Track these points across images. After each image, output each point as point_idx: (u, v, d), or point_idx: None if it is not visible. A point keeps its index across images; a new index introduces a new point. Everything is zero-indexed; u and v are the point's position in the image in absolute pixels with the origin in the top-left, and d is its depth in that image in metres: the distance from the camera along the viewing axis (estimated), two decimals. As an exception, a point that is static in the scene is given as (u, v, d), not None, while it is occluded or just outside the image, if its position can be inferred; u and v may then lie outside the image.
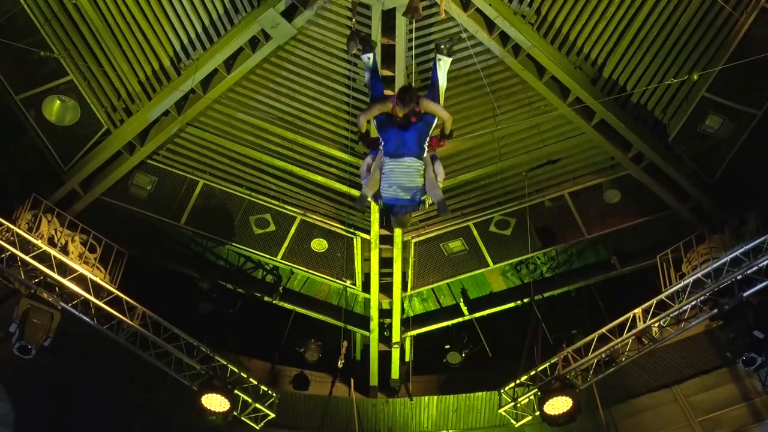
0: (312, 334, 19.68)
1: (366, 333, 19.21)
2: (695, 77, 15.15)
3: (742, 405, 17.25)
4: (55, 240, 16.39)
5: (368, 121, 11.92)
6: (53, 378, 17.06)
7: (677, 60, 15.86)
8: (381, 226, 17.59)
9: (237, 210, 17.94)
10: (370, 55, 11.84)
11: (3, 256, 15.44)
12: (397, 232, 17.53)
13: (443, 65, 11.63)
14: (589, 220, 17.78)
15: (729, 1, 15.19)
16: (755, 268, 15.23)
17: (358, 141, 15.32)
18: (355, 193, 17.22)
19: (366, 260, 18.38)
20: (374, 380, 19.68)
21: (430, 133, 11.07)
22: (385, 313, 19.05)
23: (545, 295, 18.91)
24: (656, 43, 15.73)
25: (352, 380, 19.75)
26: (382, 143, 11.00)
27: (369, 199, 11.30)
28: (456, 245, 18.24)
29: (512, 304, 19.17)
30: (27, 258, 15.62)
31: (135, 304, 16.72)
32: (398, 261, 18.09)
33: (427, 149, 11.03)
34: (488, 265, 18.42)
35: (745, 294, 15.27)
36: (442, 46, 11.69)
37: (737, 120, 16.09)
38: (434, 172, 11.09)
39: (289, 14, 15.25)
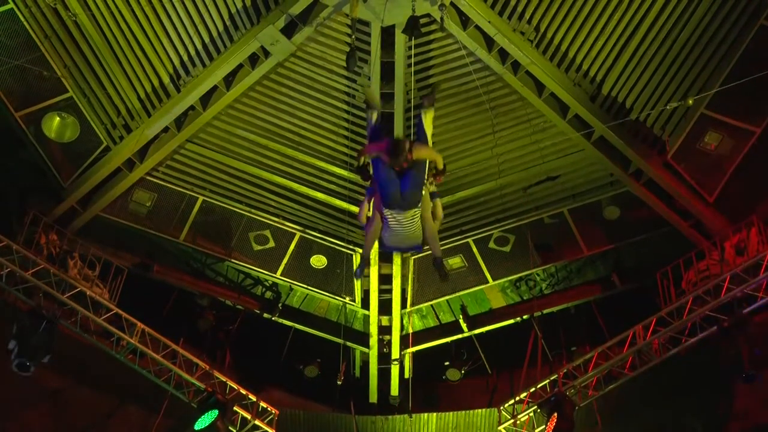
0: (311, 351, 19.64)
1: (365, 350, 19.15)
2: (690, 102, 15.23)
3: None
4: (54, 257, 16.39)
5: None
6: (52, 395, 17.01)
7: (676, 76, 15.91)
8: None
9: (236, 226, 17.92)
10: (374, 114, 11.91)
11: (2, 273, 15.45)
12: (397, 249, 17.57)
13: (428, 115, 11.73)
14: (589, 236, 17.75)
15: (728, 17, 15.26)
16: (755, 285, 15.24)
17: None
18: (355, 210, 17.21)
19: (365, 277, 18.34)
20: (373, 397, 19.62)
21: (426, 176, 11.12)
22: (385, 330, 18.98)
23: (545, 311, 18.87)
24: (655, 59, 15.78)
25: (351, 397, 19.67)
26: (379, 190, 11.05)
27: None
28: (455, 262, 18.20)
29: (512, 321, 19.10)
30: (26, 275, 15.62)
31: (134, 320, 16.68)
32: (397, 278, 18.07)
33: (424, 188, 11.11)
34: (488, 282, 18.35)
35: (745, 311, 15.27)
36: (426, 102, 11.85)
37: (736, 137, 16.10)
38: (433, 214, 11.20)
39: (288, 31, 15.30)
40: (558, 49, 15.79)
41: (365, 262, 11.95)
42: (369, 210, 11.52)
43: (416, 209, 10.88)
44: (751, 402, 16.38)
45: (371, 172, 11.54)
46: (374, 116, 12.01)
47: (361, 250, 17.86)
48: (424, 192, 11.02)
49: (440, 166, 11.46)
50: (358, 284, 18.32)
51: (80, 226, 17.29)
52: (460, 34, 15.23)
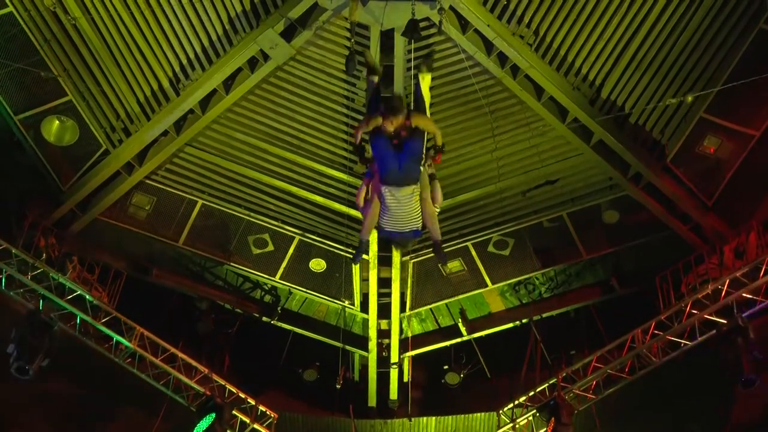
0: (310, 355, 19.64)
1: (364, 353, 19.12)
2: (689, 99, 15.25)
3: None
4: (53, 260, 16.38)
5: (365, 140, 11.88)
6: (50, 398, 17.01)
7: (675, 80, 15.92)
8: (379, 246, 17.57)
9: (235, 230, 17.92)
10: (375, 78, 11.92)
11: (1, 276, 15.48)
12: (396, 252, 17.50)
13: (425, 80, 11.73)
14: (588, 240, 17.77)
15: (727, 21, 15.27)
16: (754, 289, 15.25)
17: (356, 159, 15.40)
18: (355, 213, 17.24)
19: (364, 280, 18.32)
20: (372, 401, 19.60)
21: (424, 149, 11.04)
22: (384, 334, 18.98)
23: (544, 315, 18.90)
24: (654, 63, 15.79)
25: (350, 401, 19.64)
26: (378, 167, 10.94)
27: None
28: (454, 265, 18.19)
29: (510, 325, 19.10)
30: (25, 278, 15.63)
31: (133, 324, 16.69)
32: (396, 281, 18.05)
33: (423, 167, 11.03)
34: (487, 286, 18.37)
35: (744, 315, 15.27)
36: (423, 66, 11.84)
37: (735, 140, 16.10)
38: (432, 197, 11.11)
39: (287, 35, 15.31)
40: (557, 52, 15.80)
41: (363, 246, 11.89)
42: (368, 194, 11.42)
43: (415, 186, 10.72)
44: (750, 405, 16.39)
45: (370, 154, 11.50)
46: (376, 80, 11.97)
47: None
48: (422, 170, 10.92)
49: (439, 142, 11.34)
50: (357, 288, 18.31)
51: (79, 229, 17.30)
52: (459, 38, 15.23)
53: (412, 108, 11.47)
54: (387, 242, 11.29)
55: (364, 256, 17.80)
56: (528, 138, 16.73)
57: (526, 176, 17.23)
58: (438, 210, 11.29)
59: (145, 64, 15.95)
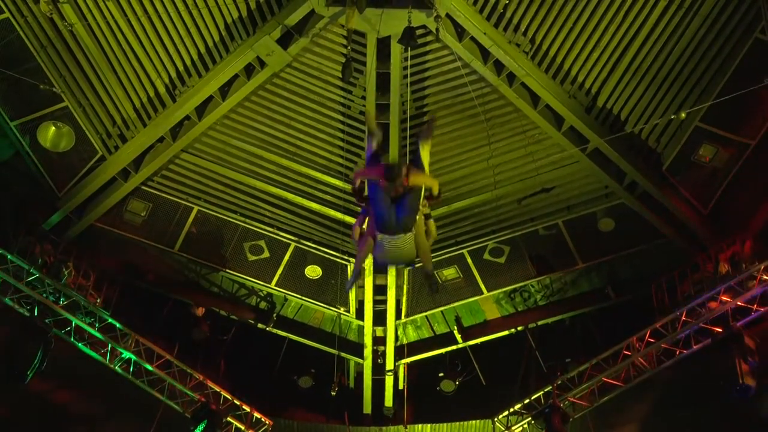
0: (306, 361, 19.62)
1: (360, 360, 19.11)
2: (683, 115, 15.30)
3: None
4: (49, 266, 16.35)
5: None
6: (46, 405, 16.97)
7: (671, 89, 15.96)
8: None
9: (231, 236, 17.90)
10: (374, 142, 11.91)
11: (-4, 282, 15.50)
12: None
13: (425, 147, 11.78)
14: (584, 248, 17.77)
15: (723, 31, 15.31)
16: (749, 298, 15.27)
17: (351, 166, 15.46)
18: (350, 220, 17.24)
19: (360, 287, 18.31)
20: (368, 408, 19.56)
21: (420, 201, 11.13)
22: (379, 341, 18.97)
23: (539, 323, 18.90)
24: (650, 72, 15.83)
25: (345, 408, 19.63)
26: (374, 215, 11.04)
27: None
28: (450, 273, 18.20)
29: (506, 332, 19.10)
30: (20, 284, 15.61)
31: (128, 331, 16.66)
32: (392, 288, 18.05)
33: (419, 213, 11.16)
34: (482, 293, 18.36)
35: (739, 323, 15.29)
36: (423, 135, 11.92)
37: (731, 149, 16.14)
38: (426, 233, 11.27)
39: (284, 42, 15.33)
40: (553, 60, 15.83)
41: (356, 275, 11.98)
42: (363, 229, 11.58)
43: (410, 233, 10.90)
44: (745, 413, 16.38)
45: (366, 193, 11.61)
46: (374, 143, 11.98)
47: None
48: (417, 217, 11.03)
49: (435, 192, 11.52)
50: (352, 295, 18.29)
51: (75, 235, 17.28)
52: (455, 46, 15.25)
53: (410, 166, 11.42)
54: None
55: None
56: (524, 146, 16.75)
57: (522, 184, 17.24)
58: (431, 243, 11.50)
59: (142, 71, 15.95)
